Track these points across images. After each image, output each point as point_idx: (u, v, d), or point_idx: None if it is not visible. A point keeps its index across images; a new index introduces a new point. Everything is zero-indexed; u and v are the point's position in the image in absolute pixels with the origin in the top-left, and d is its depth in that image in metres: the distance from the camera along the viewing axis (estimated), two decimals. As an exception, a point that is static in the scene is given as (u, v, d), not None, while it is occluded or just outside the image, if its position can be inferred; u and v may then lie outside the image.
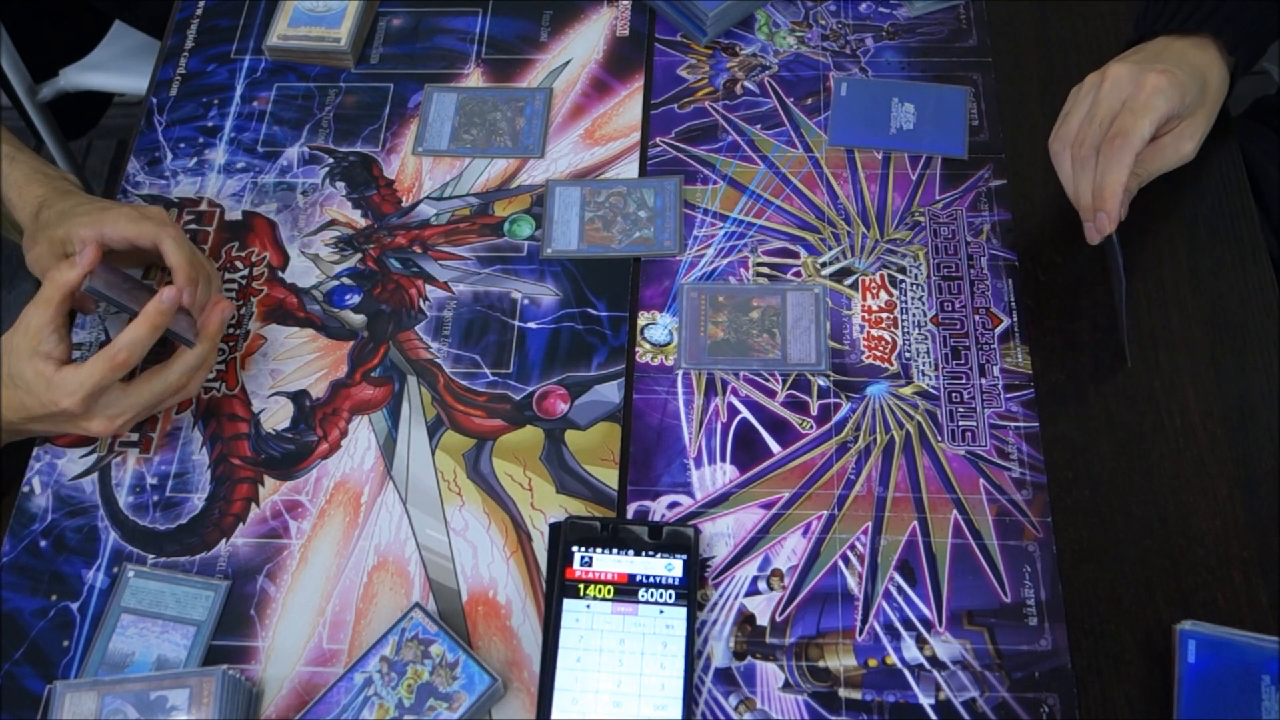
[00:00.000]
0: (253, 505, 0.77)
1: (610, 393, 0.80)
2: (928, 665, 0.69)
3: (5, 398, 0.72)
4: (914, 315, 0.82)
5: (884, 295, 0.83)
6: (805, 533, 0.74)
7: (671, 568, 0.71)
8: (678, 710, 0.67)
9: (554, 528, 0.74)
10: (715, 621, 0.71)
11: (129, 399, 0.73)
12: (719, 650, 0.71)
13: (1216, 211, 0.85)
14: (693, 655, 0.69)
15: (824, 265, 0.85)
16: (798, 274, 0.84)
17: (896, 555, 0.73)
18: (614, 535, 0.72)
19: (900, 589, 0.72)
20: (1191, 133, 0.79)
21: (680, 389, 0.80)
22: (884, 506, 0.75)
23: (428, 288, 0.85)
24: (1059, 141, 0.79)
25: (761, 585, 0.72)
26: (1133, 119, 0.74)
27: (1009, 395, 0.78)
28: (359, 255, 0.87)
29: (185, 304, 0.76)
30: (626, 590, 0.70)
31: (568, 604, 0.70)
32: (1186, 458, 0.76)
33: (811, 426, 0.78)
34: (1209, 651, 0.67)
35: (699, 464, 0.77)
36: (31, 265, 0.80)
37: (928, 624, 0.71)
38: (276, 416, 0.80)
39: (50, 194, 0.82)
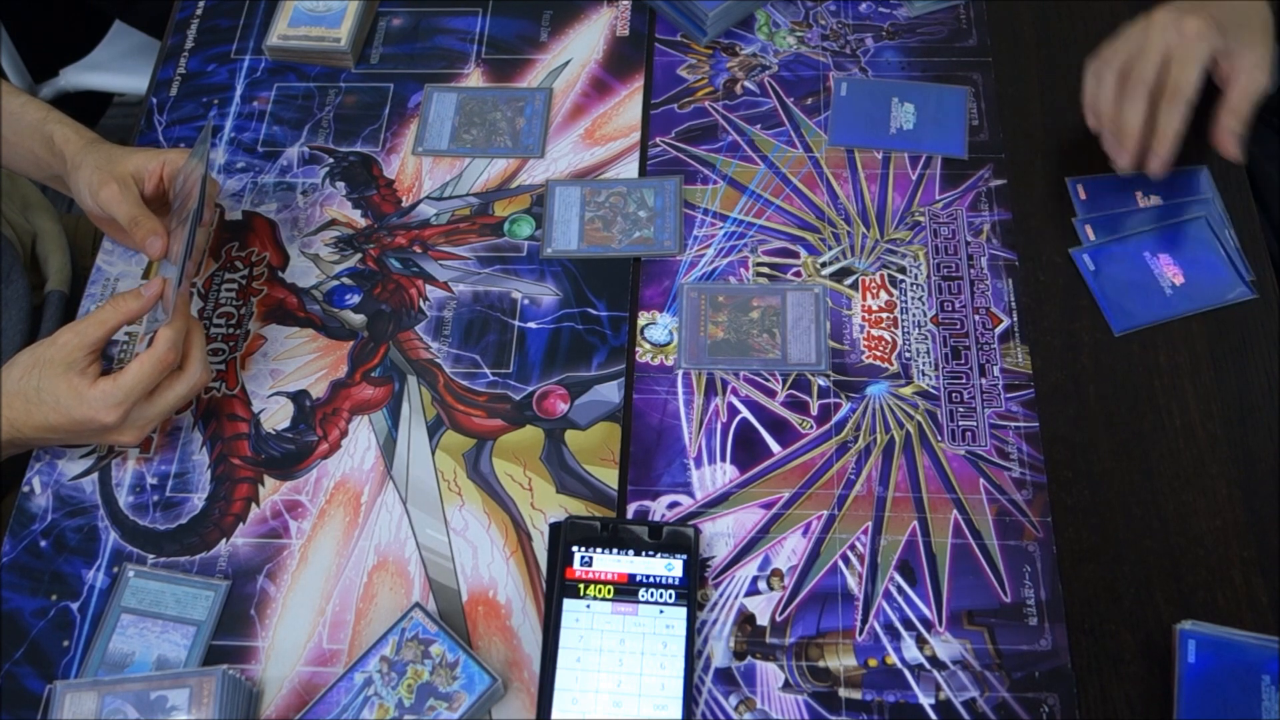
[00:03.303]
0: (253, 505, 0.77)
1: (610, 392, 0.80)
2: (928, 665, 0.69)
3: (28, 412, 0.72)
4: (914, 315, 0.82)
5: (884, 295, 0.83)
6: (805, 533, 0.74)
7: (671, 568, 0.71)
8: (678, 710, 0.67)
9: (554, 528, 0.74)
10: (715, 621, 0.71)
11: (155, 408, 0.73)
12: (719, 650, 0.71)
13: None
14: (693, 655, 0.69)
15: (824, 265, 0.85)
16: (798, 274, 0.84)
17: (896, 555, 0.73)
18: (614, 535, 0.72)
19: (900, 589, 0.72)
20: (1257, 62, 0.79)
21: (680, 389, 0.80)
22: (884, 506, 0.75)
23: (428, 288, 0.85)
24: (1107, 64, 0.80)
25: (761, 585, 0.72)
26: (1181, 70, 0.77)
27: (1009, 395, 0.78)
28: (359, 255, 0.87)
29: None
30: (626, 590, 0.70)
31: (568, 604, 0.70)
32: (1186, 458, 0.76)
33: (811, 426, 0.78)
34: (1209, 651, 0.67)
35: (699, 464, 0.77)
36: (107, 202, 0.78)
37: (928, 624, 0.71)
38: (276, 416, 0.80)
39: (99, 139, 0.83)
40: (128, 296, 0.74)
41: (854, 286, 0.84)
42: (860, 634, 0.71)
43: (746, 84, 0.94)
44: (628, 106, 0.93)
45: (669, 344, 0.82)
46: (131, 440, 0.74)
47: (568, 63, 0.96)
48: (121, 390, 0.71)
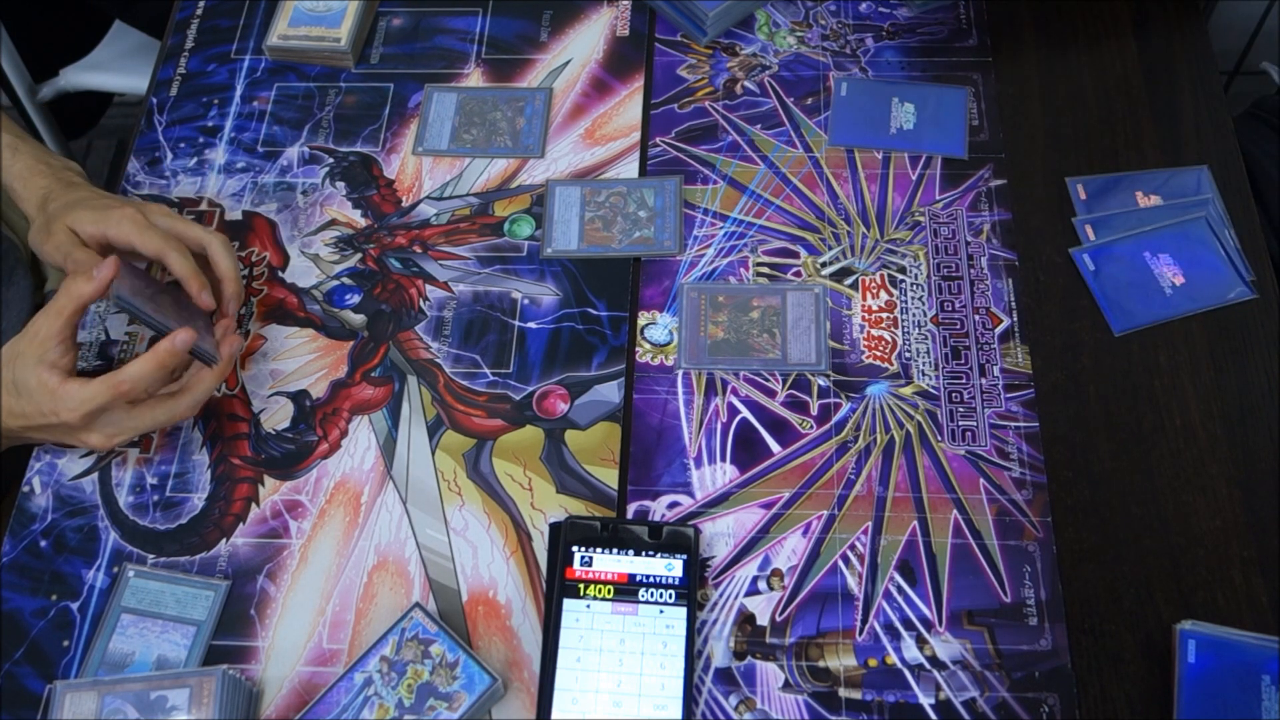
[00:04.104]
0: (253, 505, 0.77)
1: (610, 392, 0.80)
2: (928, 665, 0.69)
3: (8, 405, 0.71)
4: (914, 315, 0.82)
5: (884, 295, 0.83)
6: (805, 533, 0.74)
7: (671, 568, 0.71)
8: (678, 710, 0.67)
9: (554, 528, 0.74)
10: (715, 621, 0.71)
11: (131, 421, 0.72)
12: (719, 650, 0.71)
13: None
14: (693, 655, 0.69)
15: (824, 265, 0.85)
16: (798, 274, 0.84)
17: (896, 555, 0.73)
18: (614, 535, 0.72)
19: (900, 589, 0.72)
20: None
21: (680, 389, 0.80)
22: (884, 506, 0.75)
23: (428, 288, 0.85)
24: None
25: (761, 585, 0.72)
26: None
27: (1009, 395, 0.78)
28: (359, 255, 0.87)
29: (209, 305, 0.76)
30: (626, 590, 0.70)
31: (568, 604, 0.70)
32: (1186, 458, 0.76)
33: (811, 426, 0.78)
34: (1209, 651, 0.67)
35: (699, 464, 0.77)
36: (50, 254, 0.77)
37: (928, 624, 0.71)
38: (276, 416, 0.80)
39: (55, 185, 0.81)
40: (79, 279, 0.72)
41: (854, 286, 0.84)
42: (860, 634, 0.71)
43: (746, 84, 0.94)
44: (628, 106, 0.93)
45: (669, 344, 0.82)
46: (98, 443, 0.73)
47: (568, 63, 0.96)
48: (80, 397, 0.70)
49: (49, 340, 0.71)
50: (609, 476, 0.77)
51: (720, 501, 0.75)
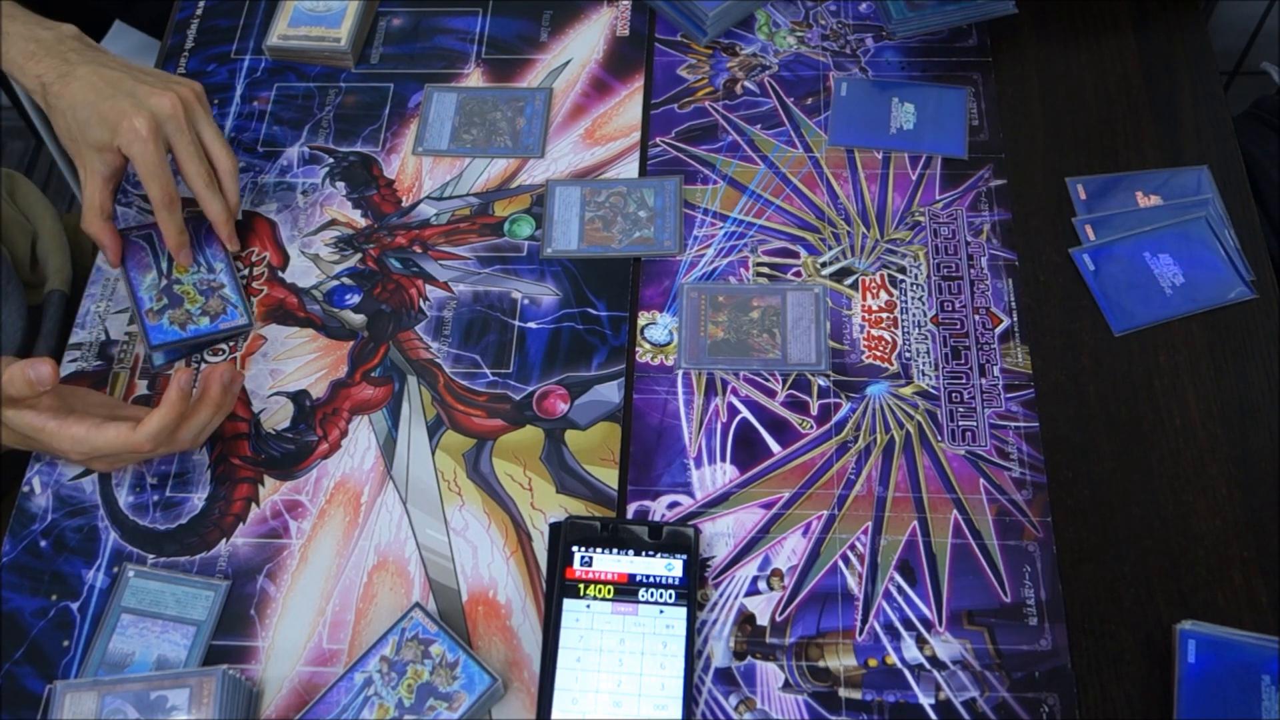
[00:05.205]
0: (253, 505, 0.77)
1: (610, 393, 0.80)
2: (928, 665, 0.69)
3: (6, 436, 0.72)
4: (914, 315, 0.82)
5: (884, 295, 0.83)
6: (805, 533, 0.74)
7: (671, 568, 0.71)
8: (678, 710, 0.67)
9: (554, 528, 0.74)
10: (715, 621, 0.71)
11: (134, 456, 0.73)
12: (719, 650, 0.71)
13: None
14: (693, 655, 0.69)
15: (824, 265, 0.85)
16: (798, 274, 0.84)
17: (896, 555, 0.73)
18: (614, 535, 0.72)
19: (900, 589, 0.72)
20: None
21: (680, 389, 0.80)
22: (884, 506, 0.75)
23: (428, 288, 0.85)
24: None
25: (761, 585, 0.73)
26: None
27: (1009, 395, 0.78)
28: (359, 255, 0.87)
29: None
30: (626, 590, 0.70)
31: (568, 604, 0.70)
32: (1186, 458, 0.76)
33: (811, 426, 0.78)
34: (1209, 651, 0.67)
35: (699, 464, 0.77)
36: (90, 165, 0.77)
37: (928, 624, 0.71)
38: (276, 416, 0.80)
39: (50, 72, 0.77)
40: (16, 378, 0.67)
41: (854, 286, 0.84)
42: (860, 634, 0.71)
43: (746, 84, 0.94)
44: (628, 106, 0.93)
45: (669, 344, 0.82)
46: (102, 468, 0.76)
47: (568, 63, 0.96)
48: (87, 443, 0.70)
49: (19, 412, 0.70)
50: (609, 476, 0.77)
51: (720, 501, 0.76)
